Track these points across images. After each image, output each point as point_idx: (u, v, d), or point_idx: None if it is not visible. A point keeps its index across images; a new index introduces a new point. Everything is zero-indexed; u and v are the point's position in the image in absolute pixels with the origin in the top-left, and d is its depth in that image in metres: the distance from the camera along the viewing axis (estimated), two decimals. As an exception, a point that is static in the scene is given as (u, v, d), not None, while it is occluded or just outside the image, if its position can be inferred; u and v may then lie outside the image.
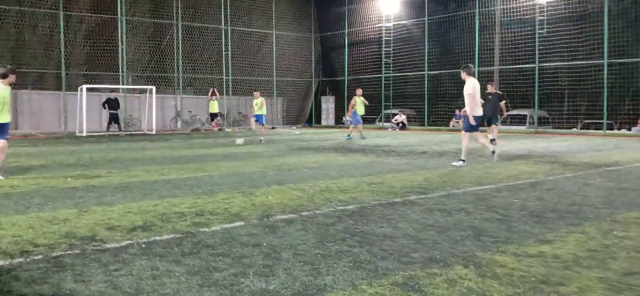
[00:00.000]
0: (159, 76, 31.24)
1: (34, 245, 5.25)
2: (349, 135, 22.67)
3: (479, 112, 12.03)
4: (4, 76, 10.13)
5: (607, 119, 24.78)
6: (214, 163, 12.93)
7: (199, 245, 5.26)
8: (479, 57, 29.06)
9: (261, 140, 20.73)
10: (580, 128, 26.22)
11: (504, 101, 17.63)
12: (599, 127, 24.98)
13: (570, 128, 26.76)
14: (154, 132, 28.07)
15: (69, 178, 10.16)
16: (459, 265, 4.55)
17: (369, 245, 5.21)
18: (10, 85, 10.32)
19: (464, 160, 12.05)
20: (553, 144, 18.84)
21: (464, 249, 5.04)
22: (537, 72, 26.64)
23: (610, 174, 10.37)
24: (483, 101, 14.36)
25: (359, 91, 22.93)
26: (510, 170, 11.07)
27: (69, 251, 5.02)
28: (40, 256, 4.85)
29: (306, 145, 19.03)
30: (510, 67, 28.25)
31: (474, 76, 12.08)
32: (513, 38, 27.88)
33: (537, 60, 26.49)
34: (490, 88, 17.91)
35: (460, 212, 6.74)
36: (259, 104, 21.38)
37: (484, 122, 17.73)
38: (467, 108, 11.96)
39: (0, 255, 4.91)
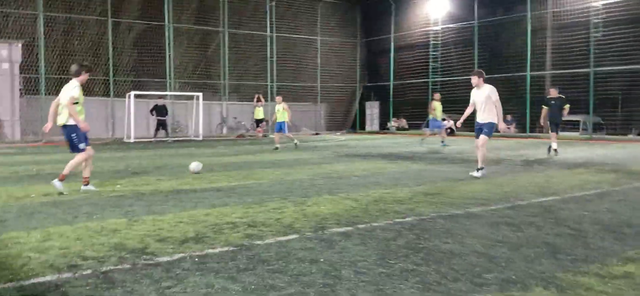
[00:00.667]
0: (204, 83, 31.43)
1: (82, 258, 5.06)
2: (443, 141, 21.32)
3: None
4: (77, 74, 9.10)
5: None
6: (262, 170, 12.71)
7: (253, 259, 4.97)
8: (530, 62, 28.17)
9: (296, 144, 20.65)
10: (637, 135, 25.08)
11: (567, 105, 16.98)
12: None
13: (625, 134, 25.64)
14: (200, 138, 28.17)
15: (118, 186, 10.07)
16: (538, 287, 4.14)
17: (436, 263, 4.83)
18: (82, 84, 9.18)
19: (481, 168, 11.30)
20: (611, 151, 17.99)
21: (541, 269, 4.61)
22: (592, 76, 25.63)
23: (684, 185, 9.69)
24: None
25: (438, 96, 21.84)
26: (573, 180, 10.48)
27: (119, 266, 4.80)
28: (89, 271, 4.64)
29: (353, 151, 18.68)
30: (564, 71, 27.27)
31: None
32: (566, 42, 26.88)
33: (591, 64, 25.48)
34: (553, 93, 17.38)
35: (530, 227, 6.28)
36: (280, 110, 20.09)
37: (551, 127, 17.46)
38: (498, 114, 11.37)
39: (48, 268, 4.72)
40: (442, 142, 21.44)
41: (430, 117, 21.72)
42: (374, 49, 37.45)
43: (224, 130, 32.32)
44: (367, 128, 36.70)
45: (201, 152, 19.33)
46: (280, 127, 20.20)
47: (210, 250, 5.31)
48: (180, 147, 22.03)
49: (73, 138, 9.10)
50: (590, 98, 25.55)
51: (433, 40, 32.89)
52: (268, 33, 33.44)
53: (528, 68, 28.20)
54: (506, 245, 5.44)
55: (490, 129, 11.38)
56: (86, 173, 9.40)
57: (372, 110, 36.90)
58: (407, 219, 6.76)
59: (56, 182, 9.07)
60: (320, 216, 6.97)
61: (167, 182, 10.68)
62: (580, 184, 9.85)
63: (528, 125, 28.84)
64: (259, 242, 5.62)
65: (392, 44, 35.60)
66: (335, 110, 37.37)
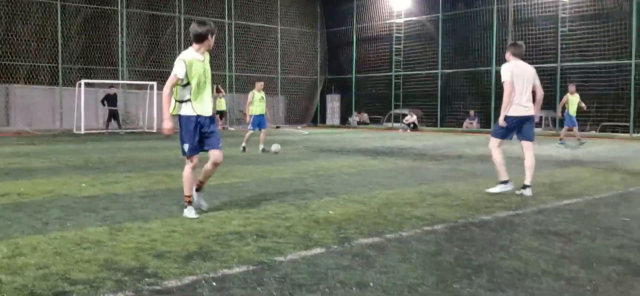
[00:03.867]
0: (158, 71, 29.85)
1: (69, 281, 3.98)
2: (580, 140, 18.83)
3: (513, 111, 7.97)
4: (201, 38, 6.14)
5: (624, 122, 23.79)
6: (240, 167, 11.68)
7: (286, 283, 4.01)
8: (496, 56, 27.93)
9: (263, 149, 15.50)
10: (598, 131, 25.14)
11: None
12: (624, 130, 23.90)
13: (589, 131, 25.72)
14: (154, 130, 26.69)
15: (83, 184, 8.87)
16: (660, 322, 3.35)
17: (510, 287, 3.98)
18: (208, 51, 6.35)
19: (505, 182, 8.24)
20: (592, 148, 17.64)
21: (637, 293, 3.84)
22: (559, 71, 25.56)
23: (695, 185, 9.24)
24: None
25: (572, 88, 18.97)
26: (579, 180, 9.89)
27: (120, 293, 3.76)
28: (83, 303, 3.59)
29: (326, 147, 17.80)
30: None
31: (520, 57, 8.13)
32: (533, 36, 26.72)
33: (559, 59, 25.39)
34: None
35: (579, 236, 5.54)
36: (259, 101, 15.93)
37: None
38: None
39: (28, 300, 3.64)
40: (561, 141, 19.10)
41: (566, 111, 19.14)
42: (336, 41, 36.60)
43: (179, 122, 30.81)
44: (328, 122, 35.87)
45: (162, 145, 18.05)
46: (259, 122, 15.91)
47: (227, 271, 4.32)
48: (136, 140, 20.64)
49: None
50: (557, 93, 25.41)
51: (396, 33, 32.28)
52: (226, 20, 32.11)
53: (493, 62, 27.94)
54: (573, 261, 4.66)
55: (495, 126, 8.60)
56: None
57: (333, 103, 36.08)
58: (436, 227, 5.92)
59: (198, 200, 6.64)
60: (335, 223, 6.05)
61: (137, 179, 9.54)
62: (593, 184, 9.27)
63: (492, 120, 28.63)
64: (280, 259, 4.66)
65: (355, 35, 34.83)
66: (296, 103, 36.35)
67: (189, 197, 6.38)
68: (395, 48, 32.20)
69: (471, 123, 29.25)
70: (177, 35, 30.70)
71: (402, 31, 32.25)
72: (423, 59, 31.25)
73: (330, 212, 6.67)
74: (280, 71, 34.76)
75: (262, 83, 16.60)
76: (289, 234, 5.51)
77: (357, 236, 5.46)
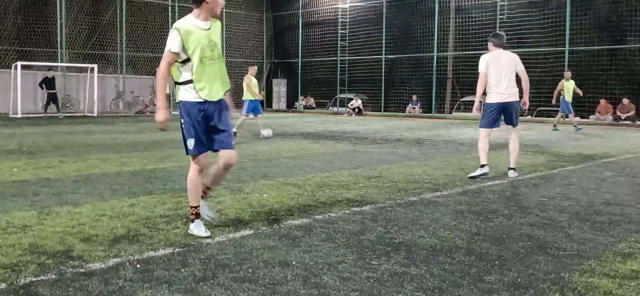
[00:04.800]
0: (98, 54, 29.14)
1: (-10, 266, 3.99)
2: (576, 126, 18.94)
3: (493, 98, 8.40)
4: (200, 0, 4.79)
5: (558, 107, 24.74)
6: (177, 150, 11.61)
7: (210, 264, 4.13)
8: (438, 43, 28.52)
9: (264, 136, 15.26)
10: (534, 116, 26.02)
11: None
12: (554, 114, 24.83)
13: (526, 116, 26.59)
14: (94, 114, 26.12)
15: (15, 168, 8.70)
16: (556, 293, 3.63)
17: (424, 263, 4.22)
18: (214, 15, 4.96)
19: (482, 166, 8.45)
20: (524, 132, 18.32)
21: (543, 268, 4.12)
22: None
23: (613, 167, 9.78)
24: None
25: (568, 74, 19.17)
26: (506, 163, 10.30)
27: (42, 276, 3.79)
28: (3, 286, 3.61)
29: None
30: (468, 53, 27.83)
31: (501, 47, 8.48)
32: (474, 23, 27.40)
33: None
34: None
35: (496, 215, 5.85)
36: (254, 85, 15.76)
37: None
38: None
39: (-53, 285, 3.64)
40: (577, 127, 18.92)
41: (562, 97, 19.07)
42: (282, 24, 36.51)
43: (121, 106, 30.27)
44: (275, 106, 35.85)
45: (100, 128, 17.76)
46: (254, 107, 15.81)
47: (152, 253, 4.39)
48: (75, 124, 20.19)
49: None
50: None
51: (341, 18, 32.48)
52: (169, 2, 31.56)
53: (435, 49, 28.53)
54: (486, 238, 4.94)
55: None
56: None
57: (280, 87, 36.06)
58: (364, 208, 6.12)
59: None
60: (268, 206, 6.18)
61: (71, 164, 9.40)
62: (518, 167, 9.62)
63: (433, 106, 29.28)
64: (208, 241, 4.76)
65: (301, 20, 34.85)
66: (241, 87, 36.03)
67: (195, 208, 4.99)
68: (341, 33, 32.40)
69: (414, 108, 29.80)
70: (118, 17, 30.01)
71: (348, 16, 32.46)
72: (368, 45, 31.57)
73: (264, 195, 6.80)
74: (225, 53, 34.42)
75: (256, 67, 16.32)
76: (220, 217, 5.60)
77: (287, 218, 5.61)
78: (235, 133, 14.93)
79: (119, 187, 7.29)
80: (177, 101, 4.93)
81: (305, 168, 9.22)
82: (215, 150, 4.98)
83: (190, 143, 4.87)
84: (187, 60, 4.77)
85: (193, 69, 4.78)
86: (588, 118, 24.00)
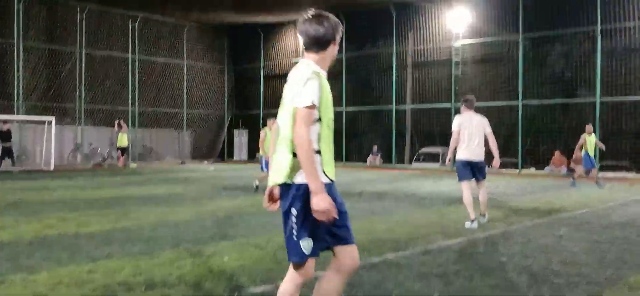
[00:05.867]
0: (56, 106, 28.70)
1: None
2: (599, 182, 17.80)
3: (464, 155, 9.36)
4: (324, 43, 3.60)
5: (513, 159, 25.41)
6: (137, 208, 11.45)
7: (171, 338, 4.04)
8: (395, 96, 29.11)
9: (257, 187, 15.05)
10: (490, 167, 26.54)
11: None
12: (513, 166, 25.45)
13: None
14: (51, 168, 25.53)
15: (-34, 232, 8.40)
16: None
17: (389, 332, 4.22)
18: None
19: (472, 221, 9.24)
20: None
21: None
22: (453, 111, 26.91)
23: (569, 222, 10.00)
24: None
25: (589, 127, 18.29)
26: (464, 218, 10.45)
27: (-6, 357, 3.65)
28: None
29: (231, 184, 17.72)
30: (425, 106, 28.45)
31: (471, 108, 9.60)
32: (430, 78, 28.14)
33: (453, 99, 26.76)
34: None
35: (458, 277, 5.90)
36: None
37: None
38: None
39: None
40: (598, 182, 17.91)
41: (583, 151, 18.22)
42: (244, 77, 36.70)
43: (78, 158, 29.70)
44: (236, 157, 35.74)
45: (58, 184, 17.34)
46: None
47: (112, 326, 4.28)
48: (31, 179, 19.68)
49: None
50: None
51: (302, 71, 32.90)
52: (130, 55, 31.46)
53: (393, 101, 29.09)
54: (450, 303, 4.99)
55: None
56: None
57: (241, 138, 36.06)
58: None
59: None
60: (228, 272, 6.11)
61: (27, 224, 9.14)
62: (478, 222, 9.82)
63: (394, 156, 29.65)
64: (169, 311, 4.67)
65: (262, 72, 35.12)
66: (202, 138, 35.97)
67: None
68: (302, 85, 32.76)
69: (374, 158, 30.13)
70: (77, 69, 29.73)
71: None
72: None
73: (225, 258, 6.72)
74: (185, 106, 34.36)
75: (274, 120, 15.94)
76: (179, 284, 5.51)
77: (249, 285, 5.55)
78: (257, 187, 15.07)
79: (77, 249, 7.12)
80: (289, 181, 3.46)
81: (268, 226, 9.16)
82: (327, 247, 3.65)
83: (306, 246, 3.47)
84: (318, 119, 3.47)
85: (320, 136, 3.48)
86: (543, 170, 24.65)
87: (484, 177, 9.59)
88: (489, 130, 9.52)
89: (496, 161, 9.60)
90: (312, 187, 3.31)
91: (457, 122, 9.49)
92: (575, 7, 23.77)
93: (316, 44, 3.54)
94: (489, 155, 9.71)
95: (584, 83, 24.47)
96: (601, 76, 23.33)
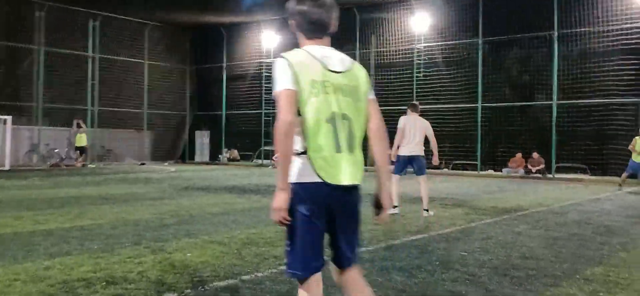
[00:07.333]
0: (13, 105, 27.91)
1: None
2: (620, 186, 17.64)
3: (404, 151, 10.57)
4: (325, 27, 3.37)
5: (473, 160, 25.86)
6: (95, 207, 11.23)
7: (132, 331, 3.98)
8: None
9: None
10: (451, 169, 26.89)
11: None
12: (473, 167, 25.87)
13: (443, 169, 27.47)
14: (6, 168, 24.82)
15: None
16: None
17: (352, 323, 4.23)
18: None
19: (395, 206, 10.21)
20: (439, 186, 18.94)
21: (464, 325, 4.24)
22: (416, 113, 27.26)
23: (527, 220, 10.24)
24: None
25: None
26: (422, 216, 10.61)
27: (-54, 352, 3.53)
28: None
29: (191, 184, 17.53)
30: (388, 108, 28.62)
31: (416, 112, 10.84)
32: (393, 80, 28.36)
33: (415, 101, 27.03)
34: None
35: (420, 271, 5.98)
36: None
37: None
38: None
39: None
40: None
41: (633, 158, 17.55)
42: (206, 77, 36.30)
43: (34, 159, 28.94)
44: (197, 158, 35.34)
45: (13, 184, 16.87)
46: None
47: (71, 321, 4.19)
48: (-16, 178, 19.10)
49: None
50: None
51: (266, 72, 32.76)
52: (90, 53, 30.84)
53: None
54: (412, 295, 5.04)
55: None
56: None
57: (203, 139, 35.64)
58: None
59: None
60: (191, 267, 6.05)
61: (-20, 223, 8.87)
62: (438, 220, 9.95)
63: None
64: (130, 305, 4.60)
65: (225, 73, 34.85)
66: (163, 139, 35.45)
67: None
68: (266, 87, 32.60)
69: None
70: (35, 68, 28.99)
71: (271, 71, 32.78)
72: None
73: (188, 255, 6.65)
74: (146, 106, 33.85)
75: None
76: (141, 280, 5.43)
77: (212, 280, 5.51)
78: None
79: (34, 247, 6.94)
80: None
81: (230, 224, 9.10)
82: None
83: (295, 260, 3.21)
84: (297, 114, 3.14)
85: (308, 131, 3.15)
86: (501, 171, 25.10)
87: (423, 173, 10.66)
88: (430, 132, 10.75)
89: (435, 159, 10.98)
90: (278, 184, 2.99)
91: (402, 121, 10.68)
92: (534, 12, 24.32)
93: (315, 27, 3.28)
94: (429, 154, 11.03)
95: (541, 86, 25.05)
96: (558, 80, 23.91)
